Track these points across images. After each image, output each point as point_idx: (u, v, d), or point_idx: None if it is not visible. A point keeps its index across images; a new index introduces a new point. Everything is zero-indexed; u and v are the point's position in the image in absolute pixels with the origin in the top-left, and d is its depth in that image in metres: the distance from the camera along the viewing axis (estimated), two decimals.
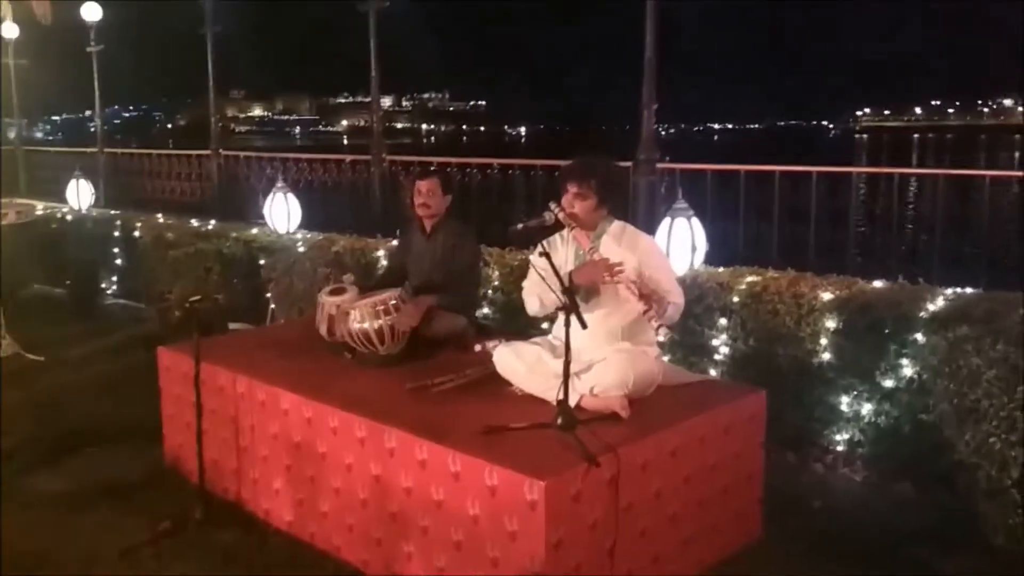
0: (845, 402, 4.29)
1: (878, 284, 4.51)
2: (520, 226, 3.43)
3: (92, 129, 12.60)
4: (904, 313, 4.09)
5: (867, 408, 4.22)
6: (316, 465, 3.56)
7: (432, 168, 4.56)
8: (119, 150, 13.93)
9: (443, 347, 4.18)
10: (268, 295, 6.54)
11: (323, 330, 4.24)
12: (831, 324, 4.29)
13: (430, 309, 4.15)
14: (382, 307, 3.98)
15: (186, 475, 4.21)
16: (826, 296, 4.35)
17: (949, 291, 4.30)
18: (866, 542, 3.64)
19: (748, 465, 3.56)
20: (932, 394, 3.60)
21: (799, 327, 4.38)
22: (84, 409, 5.33)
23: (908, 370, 4.05)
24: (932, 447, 3.77)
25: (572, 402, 3.23)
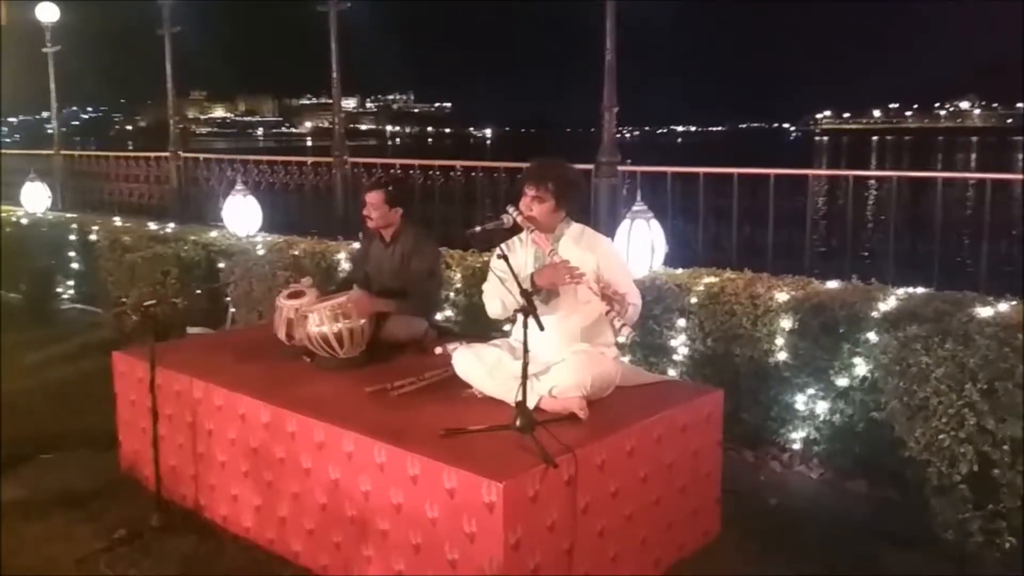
0: (801, 401, 4.35)
1: (832, 284, 4.59)
2: (478, 229, 3.45)
3: (50, 131, 12.38)
4: (856, 313, 4.16)
5: (822, 406, 4.29)
6: (274, 470, 3.54)
7: (381, 179, 4.51)
8: (76, 152, 13.72)
9: (403, 350, 4.17)
10: (227, 299, 6.47)
11: (281, 334, 4.21)
12: (787, 324, 4.36)
13: (386, 312, 4.14)
14: (341, 310, 3.97)
15: (142, 482, 4.17)
16: (782, 297, 4.42)
17: (901, 291, 4.39)
18: (821, 539, 3.70)
19: (706, 464, 3.60)
20: (884, 392, 3.66)
21: (755, 327, 4.44)
22: (38, 415, 5.24)
23: (861, 369, 4.12)
24: (885, 444, 3.84)
25: (531, 404, 3.25)
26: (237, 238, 7.16)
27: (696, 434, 3.52)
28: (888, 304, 4.17)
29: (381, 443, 3.09)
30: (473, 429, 3.14)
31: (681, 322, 4.70)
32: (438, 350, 4.17)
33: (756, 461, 4.48)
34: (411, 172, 8.76)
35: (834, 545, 3.64)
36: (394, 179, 5.12)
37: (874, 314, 4.12)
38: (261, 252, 6.59)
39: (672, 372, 4.73)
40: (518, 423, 3.06)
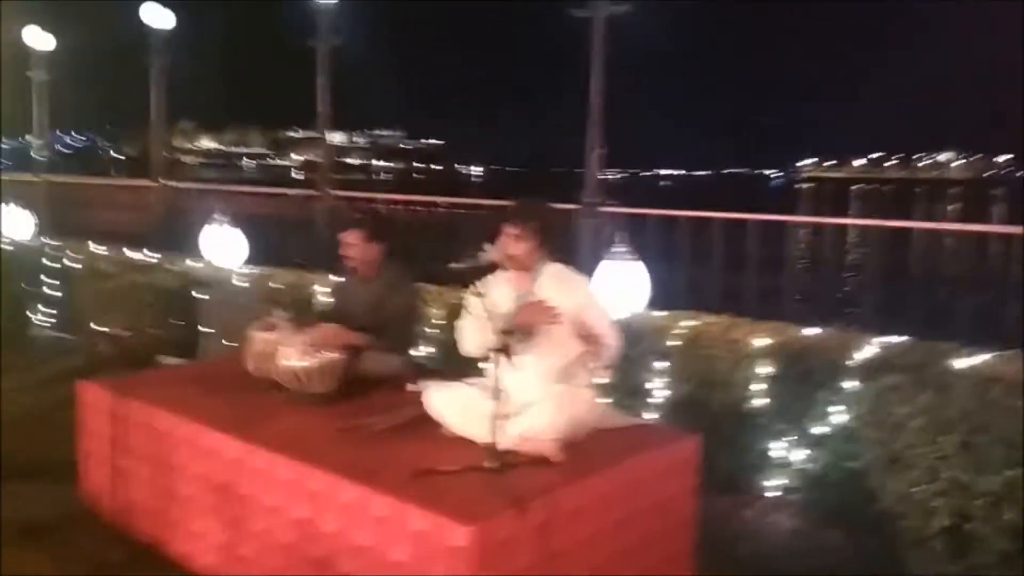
0: (777, 448, 4.32)
1: (810, 331, 4.58)
2: (456, 265, 3.41)
3: (37, 157, 12.30)
4: (834, 361, 4.15)
5: (798, 454, 4.25)
6: (239, 507, 3.44)
7: (359, 219, 4.44)
8: (60, 178, 13.66)
9: (377, 387, 4.10)
10: (202, 329, 6.39)
11: (252, 367, 4.14)
12: (764, 370, 4.33)
13: (360, 347, 4.09)
14: (313, 345, 3.91)
15: (105, 516, 4.06)
16: (760, 343, 4.40)
17: (879, 339, 4.38)
18: None
19: (681, 511, 3.54)
20: (860, 441, 3.63)
21: (733, 373, 4.42)
22: (2, 444, 5.11)
23: (838, 417, 4.09)
24: (860, 494, 3.81)
25: (504, 444, 3.19)
26: (215, 268, 7.08)
27: (673, 479, 3.47)
28: (866, 353, 4.16)
29: (348, 482, 3.02)
30: (444, 470, 3.07)
31: (659, 365, 4.67)
32: (410, 387, 4.11)
33: (731, 508, 4.42)
34: (394, 207, 8.80)
35: None
36: (372, 214, 5.07)
37: (850, 363, 4.11)
38: (237, 283, 6.53)
39: (649, 415, 4.68)
40: (490, 465, 3.00)
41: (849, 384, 4.06)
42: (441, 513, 2.74)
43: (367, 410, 3.72)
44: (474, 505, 2.81)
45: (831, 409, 4.11)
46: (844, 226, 7.05)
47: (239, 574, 3.46)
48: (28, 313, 8.32)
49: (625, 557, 3.26)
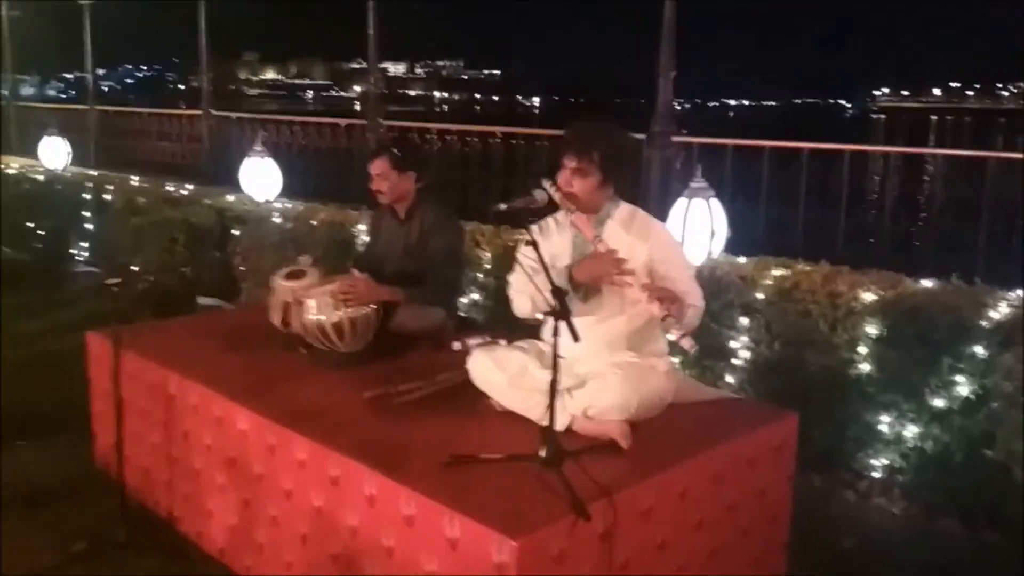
0: (885, 422, 3.66)
1: (927, 284, 3.86)
2: (504, 206, 2.77)
3: (104, 88, 12.04)
4: (962, 321, 3.45)
5: (911, 430, 3.60)
6: (251, 488, 2.96)
7: (390, 150, 3.79)
8: (110, 108, 13.35)
9: (415, 345, 3.56)
10: (240, 270, 5.93)
11: (277, 320, 3.63)
12: (873, 330, 3.65)
13: (394, 302, 3.53)
14: (343, 296, 3.36)
15: (115, 483, 3.62)
16: (868, 297, 3.71)
17: (1012, 294, 3.65)
18: None
19: (773, 504, 2.94)
20: (999, 422, 2.96)
21: (834, 332, 3.75)
22: (23, 393, 4.73)
23: (964, 389, 3.41)
24: (991, 482, 3.17)
25: (562, 424, 2.62)
26: (254, 204, 6.57)
27: (765, 469, 2.86)
28: (1000, 311, 3.45)
29: (372, 471, 2.48)
30: (486, 458, 2.52)
31: (744, 321, 4.02)
32: (456, 345, 3.56)
33: (825, 488, 3.81)
34: (447, 138, 8.18)
35: None
36: (401, 142, 4.43)
37: (984, 323, 3.40)
38: (277, 220, 6.02)
39: (730, 379, 4.06)
40: (543, 455, 2.43)
41: (979, 349, 3.37)
42: (481, 519, 2.19)
43: (401, 373, 3.18)
44: (522, 508, 2.25)
45: (955, 378, 3.43)
46: (950, 158, 6.18)
47: (253, 563, 3.00)
48: (64, 247, 7.98)
49: (705, 564, 2.69)
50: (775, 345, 3.91)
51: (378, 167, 3.75)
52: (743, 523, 2.82)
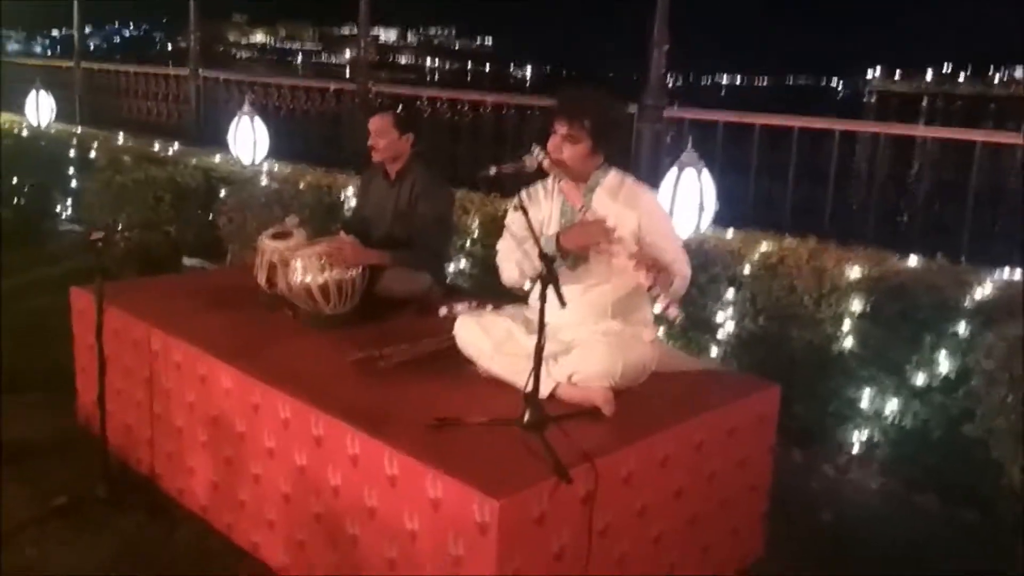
0: (866, 397, 3.70)
1: (912, 262, 3.89)
2: (493, 170, 2.76)
3: (92, 46, 11.82)
4: (945, 300, 3.48)
5: (891, 406, 3.63)
6: (234, 446, 2.96)
7: (395, 107, 3.85)
8: (96, 65, 13.15)
9: (401, 309, 3.55)
10: (225, 230, 5.88)
11: (262, 280, 3.61)
12: (857, 307, 3.68)
13: (381, 266, 3.52)
14: (329, 259, 3.35)
15: (98, 440, 3.61)
16: (853, 273, 3.73)
17: (996, 275, 3.68)
18: (885, 563, 3.08)
19: (753, 475, 2.97)
20: (979, 400, 3.00)
21: (819, 308, 3.77)
22: (5, 350, 4.69)
23: (945, 367, 3.45)
24: (969, 460, 3.21)
25: (546, 390, 2.63)
26: (241, 164, 6.51)
27: (745, 439, 2.89)
28: (984, 291, 3.47)
29: (355, 430, 2.49)
30: (471, 422, 2.52)
31: (730, 294, 4.03)
32: (443, 311, 3.55)
33: (805, 462, 3.85)
34: (437, 105, 8.11)
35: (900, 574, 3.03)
36: (404, 104, 4.41)
37: (967, 302, 3.43)
38: (264, 181, 5.97)
39: (714, 351, 4.08)
40: (526, 419, 2.44)
41: (961, 329, 3.40)
42: (464, 480, 2.20)
43: (387, 337, 3.17)
44: (505, 470, 2.26)
45: (937, 357, 3.46)
46: (939, 141, 6.18)
47: (234, 521, 3.01)
48: (48, 204, 7.89)
49: (685, 531, 2.72)
50: (759, 319, 3.93)
51: (379, 123, 3.73)
52: (723, 492, 2.84)
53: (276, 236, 3.65)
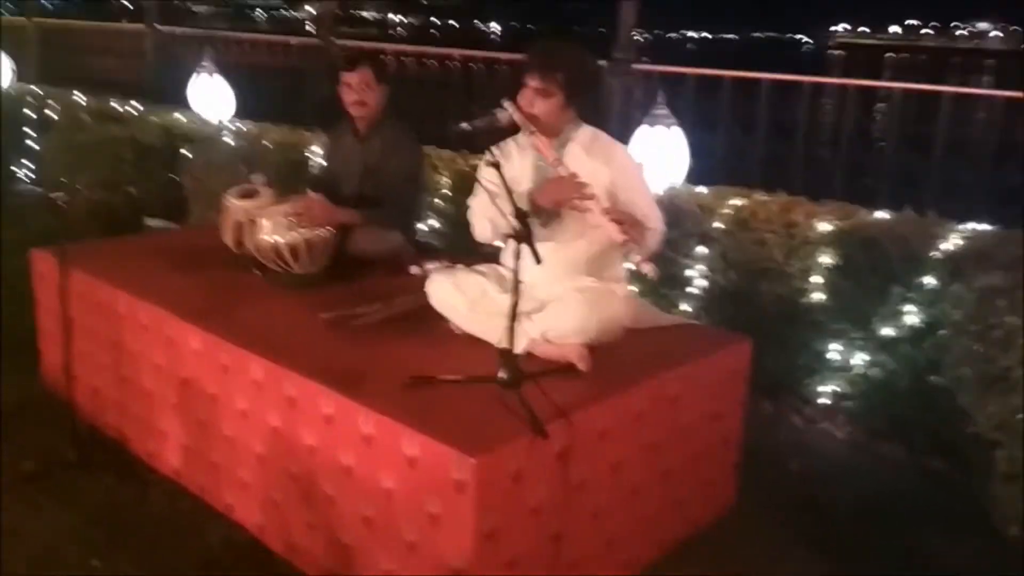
0: (834, 349, 3.74)
1: (882, 215, 3.91)
2: (465, 125, 2.72)
3: (45, 2, 11.40)
4: (913, 252, 3.51)
5: (859, 358, 3.68)
6: (206, 408, 2.93)
7: (372, 60, 3.77)
8: (48, 20, 12.75)
9: (373, 269, 3.51)
10: (188, 190, 5.77)
11: (229, 240, 3.55)
12: (827, 260, 3.70)
13: (351, 225, 3.47)
14: (297, 217, 3.30)
15: (64, 403, 3.56)
16: (823, 227, 3.75)
17: (963, 227, 3.71)
18: (854, 512, 3.15)
19: (725, 427, 3.01)
20: (946, 350, 3.04)
21: (788, 261, 3.79)
22: None
23: (913, 318, 3.49)
24: (935, 408, 3.26)
25: (521, 347, 2.62)
26: (203, 122, 6.37)
27: (718, 392, 2.92)
28: (950, 242, 3.50)
29: (329, 390, 2.47)
30: (446, 379, 2.51)
31: (701, 250, 4.04)
32: (414, 270, 3.52)
33: (775, 413, 3.90)
34: (402, 60, 7.97)
35: (871, 523, 3.09)
36: (377, 57, 4.30)
37: (934, 254, 3.46)
38: (227, 139, 5.85)
39: (686, 307, 4.09)
40: (502, 376, 2.43)
41: (929, 280, 3.43)
42: (439, 438, 2.20)
43: (359, 297, 3.15)
44: (481, 427, 2.26)
45: (904, 308, 3.50)
46: (911, 92, 6.19)
47: (207, 482, 2.99)
48: (6, 166, 7.68)
49: (659, 484, 2.75)
50: (730, 274, 3.95)
51: (360, 77, 3.63)
52: (696, 445, 2.87)
53: (243, 195, 3.59)
